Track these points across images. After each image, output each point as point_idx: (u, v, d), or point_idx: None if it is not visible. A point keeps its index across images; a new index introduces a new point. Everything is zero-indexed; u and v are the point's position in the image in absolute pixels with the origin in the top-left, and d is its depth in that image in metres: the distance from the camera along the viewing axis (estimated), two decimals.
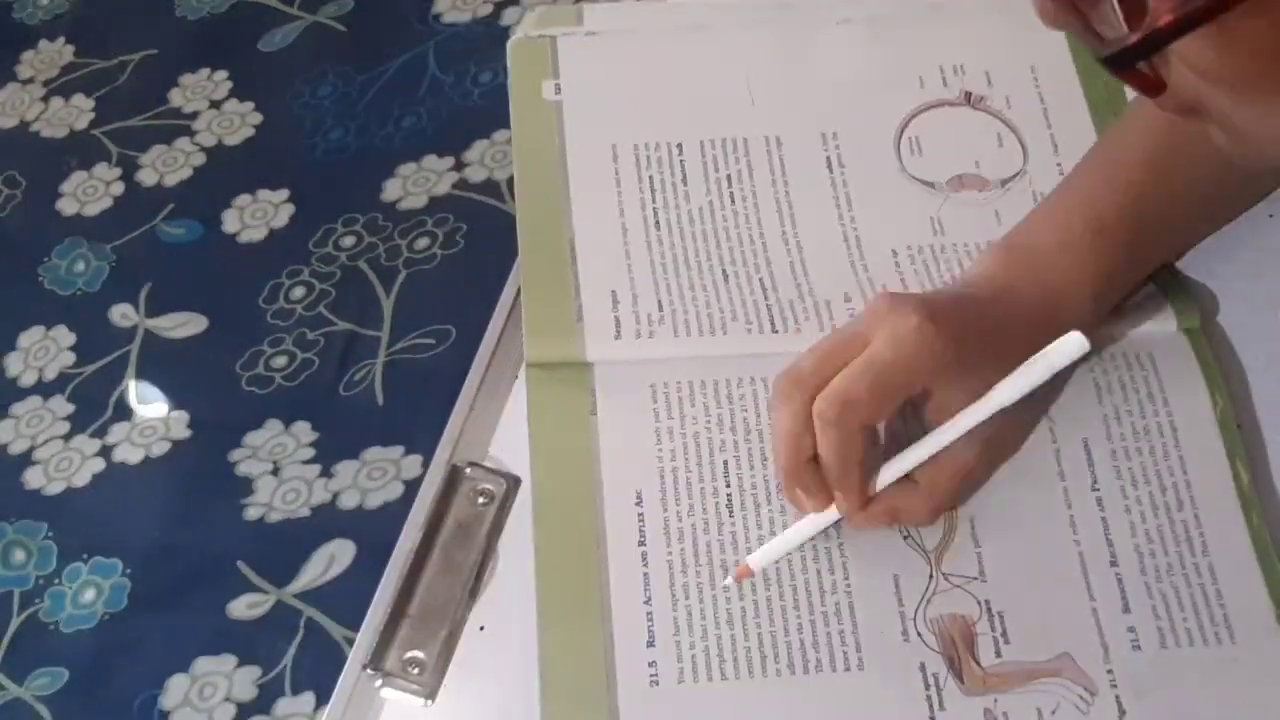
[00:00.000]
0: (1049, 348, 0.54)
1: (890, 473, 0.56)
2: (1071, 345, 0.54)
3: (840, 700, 0.55)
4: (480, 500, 0.62)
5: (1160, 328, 0.63)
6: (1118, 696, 0.55)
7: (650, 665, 0.56)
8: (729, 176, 0.69)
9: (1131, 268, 0.62)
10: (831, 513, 0.56)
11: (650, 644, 0.56)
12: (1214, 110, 0.39)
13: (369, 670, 0.58)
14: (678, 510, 0.59)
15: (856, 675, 0.55)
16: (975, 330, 0.56)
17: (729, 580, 0.57)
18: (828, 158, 0.69)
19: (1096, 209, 0.61)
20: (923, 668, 0.55)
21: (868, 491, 0.56)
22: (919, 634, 0.56)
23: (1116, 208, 0.60)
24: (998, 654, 0.56)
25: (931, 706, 0.55)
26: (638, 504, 0.60)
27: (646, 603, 0.57)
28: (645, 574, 0.58)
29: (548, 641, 0.57)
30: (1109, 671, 0.55)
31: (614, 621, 0.57)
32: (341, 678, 0.59)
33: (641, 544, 0.59)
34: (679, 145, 0.70)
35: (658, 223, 0.67)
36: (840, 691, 0.55)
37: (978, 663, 0.55)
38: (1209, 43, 0.35)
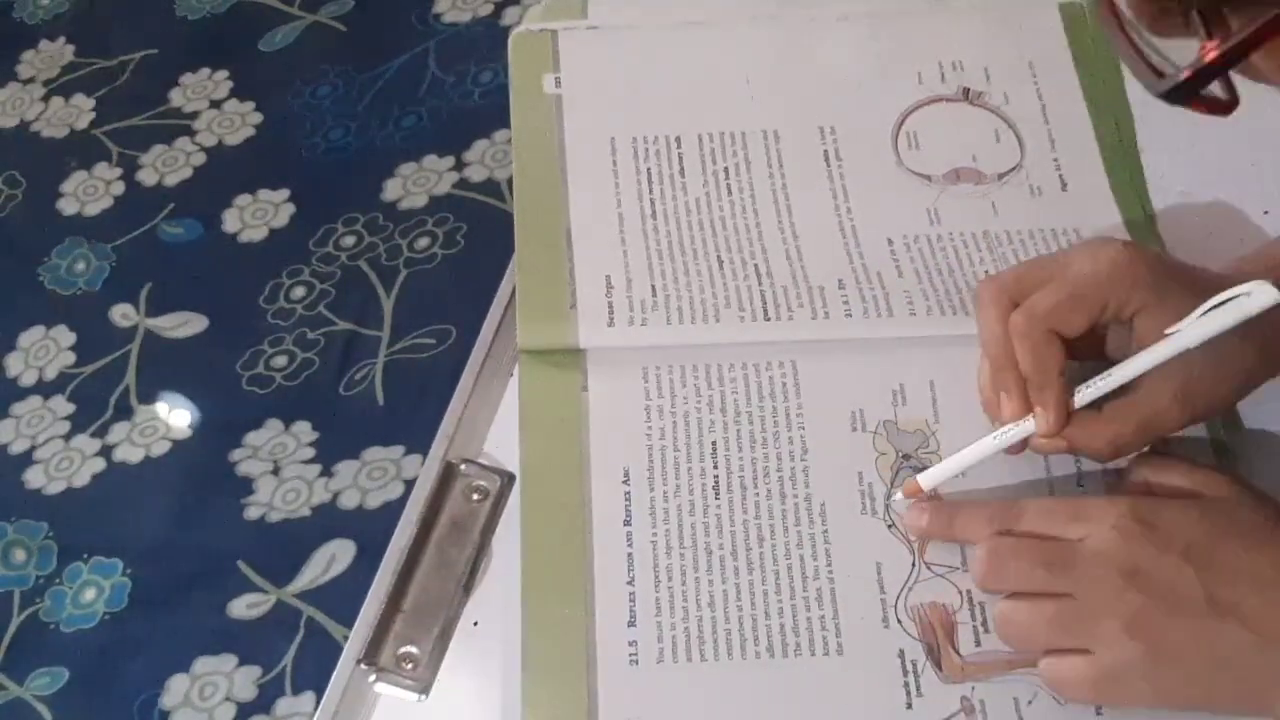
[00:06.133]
0: (1237, 290, 0.51)
1: (1079, 397, 0.55)
2: (1263, 293, 0.51)
3: (819, 685, 0.55)
4: (475, 497, 0.62)
5: None
6: None
7: (630, 645, 0.56)
8: (726, 169, 0.69)
9: None
10: (1016, 429, 0.56)
11: (631, 623, 0.56)
12: None
13: (363, 665, 0.58)
14: (664, 490, 0.59)
15: (835, 660, 0.55)
16: (1178, 271, 0.56)
17: (898, 496, 0.58)
18: (825, 152, 0.69)
19: None
20: (902, 654, 0.55)
21: (1068, 406, 0.55)
22: (899, 621, 0.56)
23: None
24: (977, 643, 0.55)
25: (909, 693, 0.54)
26: (625, 482, 0.59)
27: (629, 583, 0.57)
28: (629, 554, 0.58)
29: (530, 616, 0.57)
30: None
31: (596, 599, 0.57)
32: (335, 673, 0.58)
33: (627, 524, 0.58)
34: (677, 138, 0.70)
35: (654, 212, 0.67)
36: (819, 676, 0.55)
37: (957, 651, 0.55)
38: (1261, 55, 0.35)
